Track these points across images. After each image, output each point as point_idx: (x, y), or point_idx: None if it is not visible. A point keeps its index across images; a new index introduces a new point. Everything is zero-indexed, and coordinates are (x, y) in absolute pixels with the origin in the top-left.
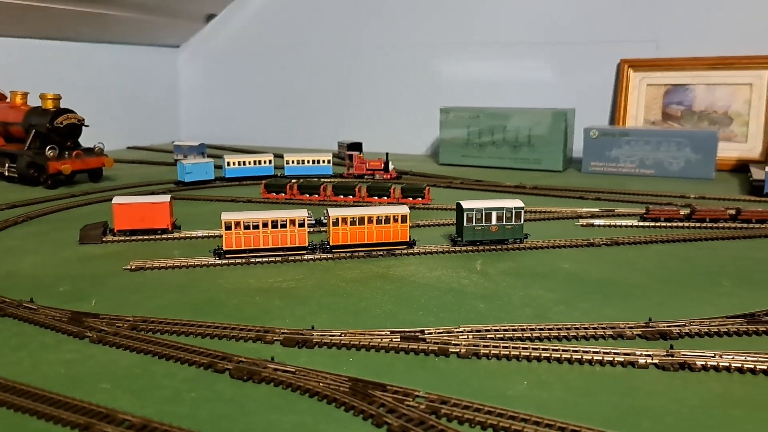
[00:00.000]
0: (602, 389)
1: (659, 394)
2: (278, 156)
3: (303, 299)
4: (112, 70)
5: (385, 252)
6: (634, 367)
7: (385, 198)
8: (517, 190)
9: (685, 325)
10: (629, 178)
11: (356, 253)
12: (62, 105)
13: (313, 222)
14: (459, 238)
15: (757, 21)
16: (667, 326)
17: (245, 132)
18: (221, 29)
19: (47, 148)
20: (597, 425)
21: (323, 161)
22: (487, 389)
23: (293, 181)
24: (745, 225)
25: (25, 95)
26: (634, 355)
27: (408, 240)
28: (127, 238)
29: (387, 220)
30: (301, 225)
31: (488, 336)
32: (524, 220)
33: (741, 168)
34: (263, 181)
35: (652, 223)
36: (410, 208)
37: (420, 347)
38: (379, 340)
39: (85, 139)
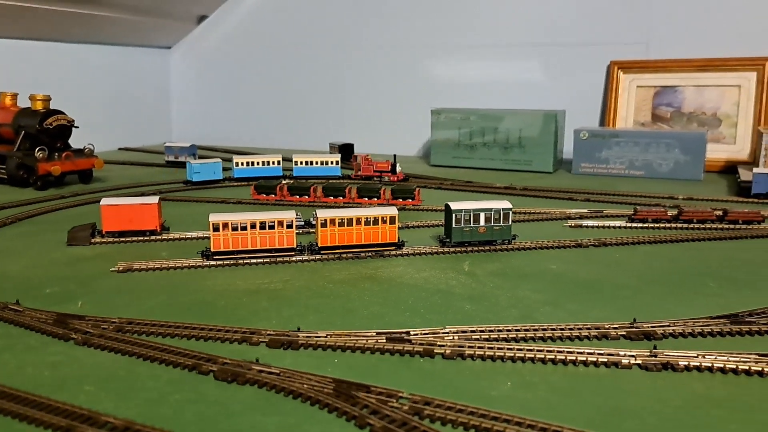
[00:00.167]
0: (586, 390)
1: (642, 394)
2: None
3: (290, 301)
4: (103, 71)
5: (373, 253)
6: (618, 367)
7: (376, 199)
8: (508, 191)
9: (669, 326)
10: (619, 179)
11: (345, 255)
12: (53, 106)
13: (303, 223)
14: (447, 239)
15: (746, 23)
16: (652, 327)
17: (237, 133)
18: (213, 30)
19: (37, 149)
20: (580, 426)
21: (331, 162)
22: (472, 390)
23: (283, 182)
24: (731, 226)
25: (14, 96)
26: (618, 355)
27: (397, 241)
28: (116, 239)
29: (375, 221)
30: (289, 226)
31: (474, 337)
32: (513, 221)
33: (729, 169)
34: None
35: (640, 224)
36: (400, 210)
37: (405, 348)
38: (364, 342)
39: (76, 141)
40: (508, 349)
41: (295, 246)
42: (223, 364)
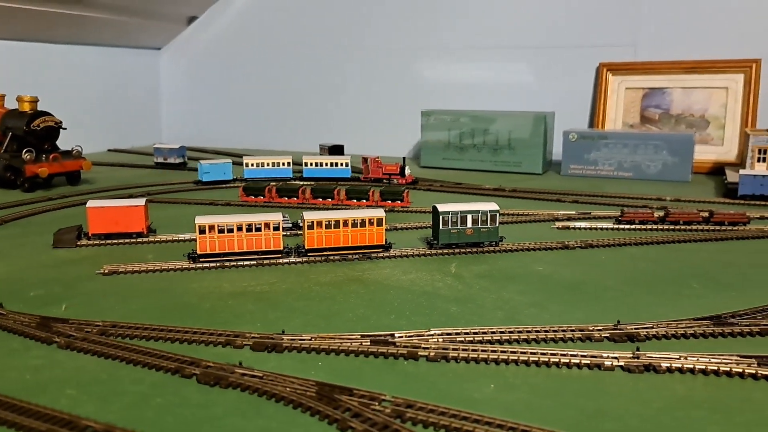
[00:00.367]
0: (568, 391)
1: (624, 396)
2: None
3: (276, 303)
4: (92, 72)
5: (360, 255)
6: (601, 369)
7: (364, 201)
8: (497, 193)
9: (652, 327)
10: (607, 181)
11: (332, 257)
12: (42, 107)
13: (290, 225)
14: (435, 241)
15: (734, 26)
16: (635, 328)
17: (227, 134)
18: (203, 31)
19: (24, 151)
20: (561, 427)
21: (342, 164)
22: (455, 392)
23: (272, 184)
24: (717, 227)
25: (2, 97)
26: (601, 357)
27: (384, 243)
28: (102, 242)
29: (363, 223)
30: (276, 228)
31: (458, 339)
32: (501, 223)
33: (717, 171)
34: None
35: (627, 226)
36: (389, 211)
37: (389, 351)
38: (348, 344)
39: (65, 142)
40: (491, 351)
41: (282, 248)
42: (206, 367)
